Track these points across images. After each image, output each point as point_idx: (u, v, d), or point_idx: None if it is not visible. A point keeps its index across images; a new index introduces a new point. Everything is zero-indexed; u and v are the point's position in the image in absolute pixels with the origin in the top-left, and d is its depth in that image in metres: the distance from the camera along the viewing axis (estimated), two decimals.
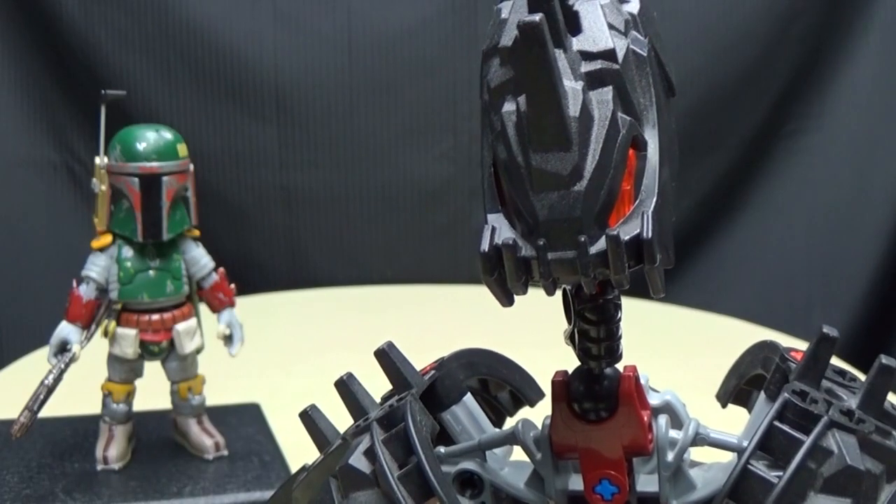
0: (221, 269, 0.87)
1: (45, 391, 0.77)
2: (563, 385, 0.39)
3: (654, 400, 0.41)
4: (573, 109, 0.31)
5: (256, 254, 1.73)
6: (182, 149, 0.81)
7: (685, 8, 1.69)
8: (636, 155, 0.33)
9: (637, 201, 0.33)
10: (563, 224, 0.32)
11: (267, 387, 1.06)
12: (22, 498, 0.78)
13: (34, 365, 0.95)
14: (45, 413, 0.77)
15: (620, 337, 0.38)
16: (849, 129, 1.78)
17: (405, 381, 0.43)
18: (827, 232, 1.81)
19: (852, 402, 0.38)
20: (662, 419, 0.40)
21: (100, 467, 0.83)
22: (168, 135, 0.81)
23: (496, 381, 0.49)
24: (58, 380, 0.78)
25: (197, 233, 0.85)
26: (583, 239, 0.32)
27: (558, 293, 0.37)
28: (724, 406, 0.49)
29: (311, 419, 0.46)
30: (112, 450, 0.83)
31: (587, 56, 0.32)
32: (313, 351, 1.23)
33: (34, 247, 1.66)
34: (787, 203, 1.82)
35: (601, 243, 0.32)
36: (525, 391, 0.49)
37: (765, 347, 0.45)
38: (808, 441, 0.36)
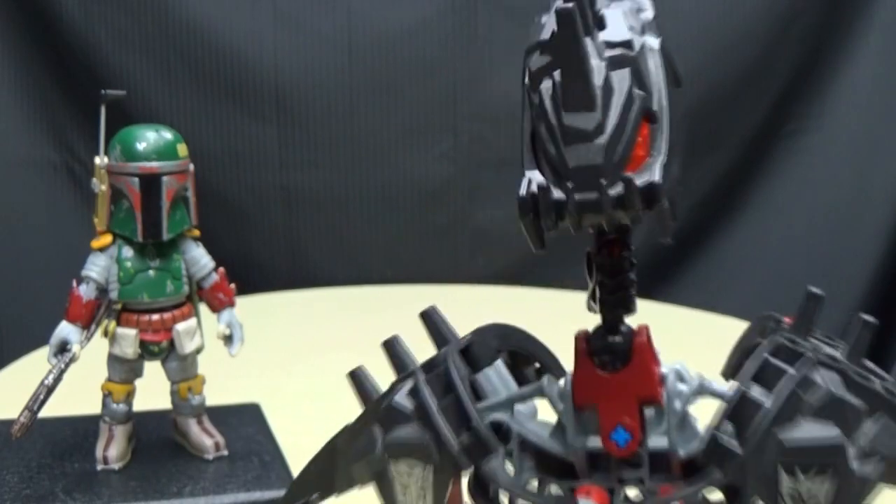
0: (221, 269, 0.86)
1: (45, 391, 0.77)
2: (585, 340, 0.45)
3: (663, 368, 0.45)
4: (598, 80, 0.38)
5: (256, 254, 1.73)
6: (182, 149, 0.81)
7: (685, 8, 1.69)
8: (648, 127, 0.39)
9: (649, 159, 0.39)
10: (588, 170, 0.38)
11: (267, 387, 1.06)
12: (22, 498, 0.77)
13: (34, 365, 0.95)
14: (45, 413, 0.77)
15: (634, 289, 0.44)
16: (849, 129, 1.79)
17: (446, 339, 0.49)
18: (827, 232, 1.81)
19: (837, 354, 0.43)
20: (672, 374, 0.45)
21: (100, 467, 0.83)
22: (168, 135, 0.81)
23: (524, 356, 0.51)
24: (58, 380, 0.78)
25: (197, 233, 0.85)
26: (604, 182, 0.38)
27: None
28: (727, 380, 0.50)
29: (359, 378, 0.50)
30: (112, 450, 0.83)
31: (609, 45, 0.39)
32: (313, 351, 1.23)
33: (34, 247, 1.66)
34: (787, 203, 1.82)
35: (619, 187, 0.38)
36: (552, 368, 0.52)
37: (763, 318, 0.48)
38: (794, 370, 0.41)
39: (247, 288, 1.12)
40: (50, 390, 0.77)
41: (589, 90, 0.38)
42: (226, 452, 0.86)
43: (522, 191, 0.40)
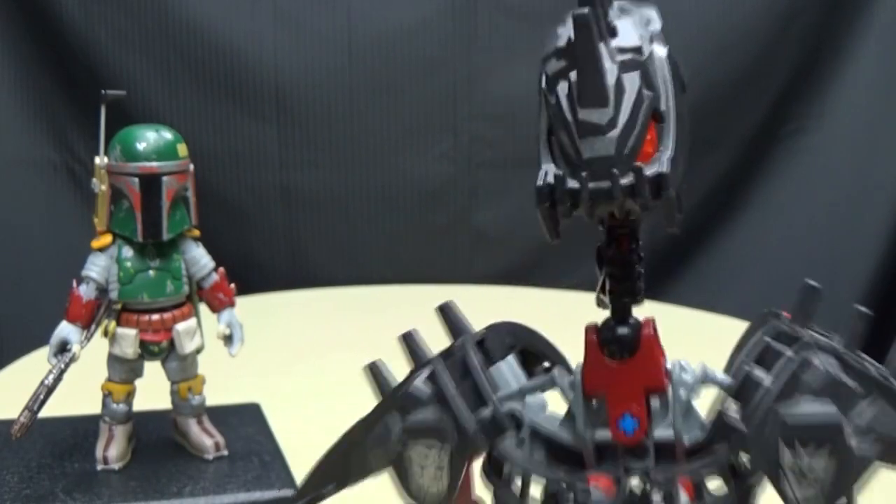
0: (221, 269, 0.86)
1: (45, 391, 0.77)
2: (595, 331, 0.47)
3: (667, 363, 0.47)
4: (611, 79, 0.41)
5: (256, 254, 1.73)
6: (182, 149, 0.81)
7: (685, 8, 1.69)
8: (655, 126, 0.42)
9: (657, 154, 0.42)
10: (601, 161, 0.41)
11: (267, 387, 1.06)
12: (22, 498, 0.77)
13: (34, 365, 0.95)
14: (45, 413, 0.77)
15: (642, 281, 0.46)
16: (849, 129, 1.79)
17: (462, 330, 0.51)
18: (827, 232, 1.81)
19: (834, 343, 0.45)
20: (676, 366, 0.47)
21: (100, 467, 0.83)
22: (168, 135, 0.81)
23: (534, 355, 0.53)
24: (58, 380, 0.78)
25: (197, 233, 0.85)
26: (616, 172, 0.40)
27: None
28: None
29: (378, 370, 0.52)
30: (112, 450, 0.83)
31: (621, 50, 0.42)
32: (313, 351, 1.23)
33: (34, 247, 1.66)
34: (787, 203, 1.82)
35: (630, 177, 0.40)
36: (560, 366, 0.53)
37: (764, 315, 0.49)
38: (794, 353, 0.43)
39: (247, 288, 1.12)
40: (50, 390, 0.77)
41: (602, 87, 0.41)
42: (226, 452, 0.86)
43: (540, 181, 0.42)
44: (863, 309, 0.45)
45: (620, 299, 0.46)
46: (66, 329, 0.80)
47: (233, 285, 0.88)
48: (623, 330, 0.46)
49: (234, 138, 1.68)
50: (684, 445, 0.46)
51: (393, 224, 1.76)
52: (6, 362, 1.18)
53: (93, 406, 0.86)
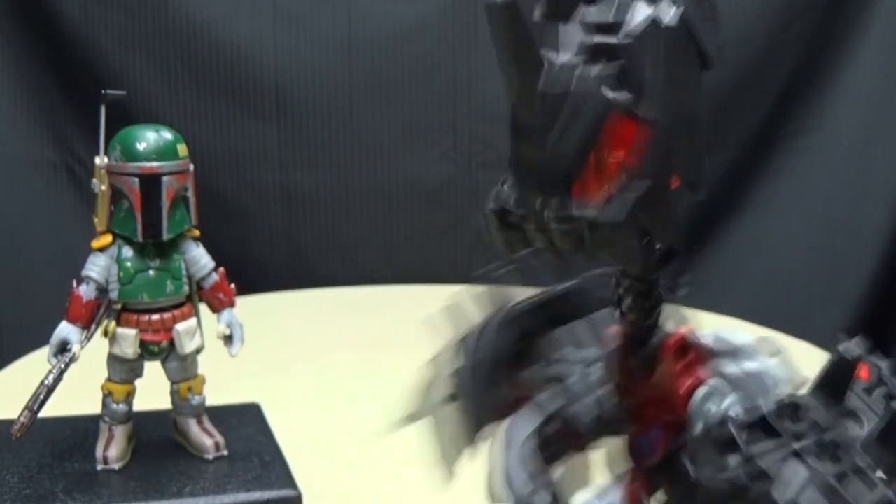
0: (221, 269, 0.86)
1: (45, 391, 0.77)
2: (624, 332, 0.41)
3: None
4: (549, 84, 0.30)
5: (256, 254, 1.73)
6: (182, 149, 0.81)
7: None
8: (637, 129, 0.32)
9: (625, 179, 0.32)
10: (534, 191, 0.32)
11: (267, 387, 1.06)
12: (22, 498, 0.77)
13: (34, 365, 0.95)
14: (45, 413, 0.77)
15: (657, 303, 0.41)
16: (849, 129, 1.78)
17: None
18: (827, 231, 1.81)
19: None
20: (704, 389, 0.40)
21: (100, 467, 0.83)
22: (168, 135, 0.81)
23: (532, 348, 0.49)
24: (58, 380, 0.78)
25: (197, 233, 0.85)
26: (547, 208, 0.32)
27: None
28: None
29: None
30: (112, 450, 0.83)
31: (593, 28, 0.31)
32: (313, 351, 1.23)
33: (34, 247, 1.66)
34: (787, 203, 1.82)
35: (564, 212, 0.32)
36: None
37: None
38: None
39: (247, 288, 1.12)
40: (50, 390, 0.77)
41: (532, 96, 0.30)
42: (226, 452, 0.86)
43: (488, 206, 0.35)
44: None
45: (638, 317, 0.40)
46: (66, 329, 0.80)
47: (233, 285, 0.87)
48: (642, 347, 0.41)
49: (234, 138, 1.68)
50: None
51: (393, 224, 1.76)
52: (6, 362, 1.18)
53: (93, 406, 0.86)
